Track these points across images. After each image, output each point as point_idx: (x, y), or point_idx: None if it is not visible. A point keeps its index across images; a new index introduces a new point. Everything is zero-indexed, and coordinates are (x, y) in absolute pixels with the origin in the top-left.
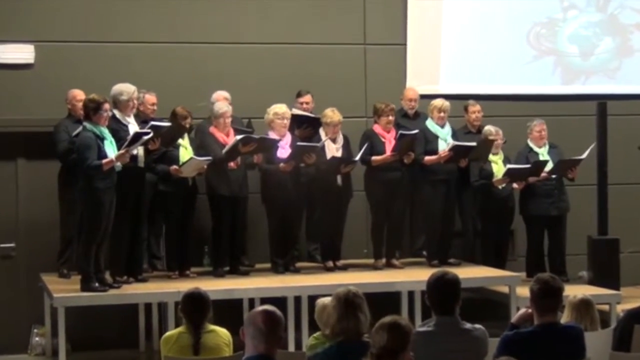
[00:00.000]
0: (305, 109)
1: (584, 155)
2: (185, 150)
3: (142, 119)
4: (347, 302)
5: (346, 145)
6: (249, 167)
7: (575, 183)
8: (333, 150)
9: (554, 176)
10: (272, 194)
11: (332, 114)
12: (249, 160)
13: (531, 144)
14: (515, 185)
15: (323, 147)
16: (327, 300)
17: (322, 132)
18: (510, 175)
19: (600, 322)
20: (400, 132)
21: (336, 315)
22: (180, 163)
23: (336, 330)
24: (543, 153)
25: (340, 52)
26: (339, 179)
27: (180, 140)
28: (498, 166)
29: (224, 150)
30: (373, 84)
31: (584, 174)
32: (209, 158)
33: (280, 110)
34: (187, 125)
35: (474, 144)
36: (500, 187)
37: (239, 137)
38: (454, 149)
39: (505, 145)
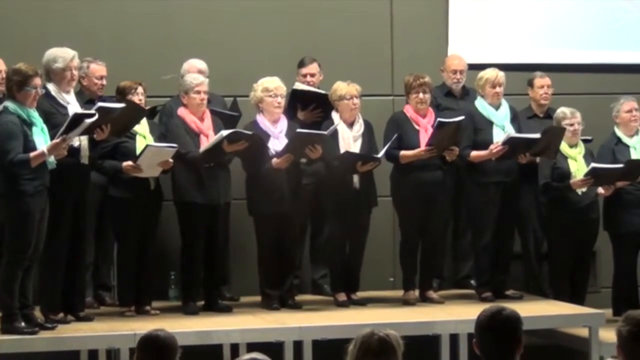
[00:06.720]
0: (310, 83)
1: None
2: (144, 141)
3: (86, 99)
4: (364, 347)
5: (367, 135)
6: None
7: None
8: (348, 140)
9: None
10: (263, 202)
11: (346, 86)
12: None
13: (619, 133)
14: (600, 190)
15: (335, 136)
16: None
17: (334, 115)
18: (595, 175)
19: None
20: (438, 119)
21: None
22: (137, 157)
23: None
24: (635, 145)
25: (357, 5)
26: (356, 179)
27: (137, 127)
28: (577, 164)
29: (201, 149)
30: (402, 49)
31: None
32: (174, 146)
33: (271, 84)
34: (145, 105)
35: (537, 136)
36: (580, 191)
37: (224, 132)
38: (509, 141)
39: (584, 131)
